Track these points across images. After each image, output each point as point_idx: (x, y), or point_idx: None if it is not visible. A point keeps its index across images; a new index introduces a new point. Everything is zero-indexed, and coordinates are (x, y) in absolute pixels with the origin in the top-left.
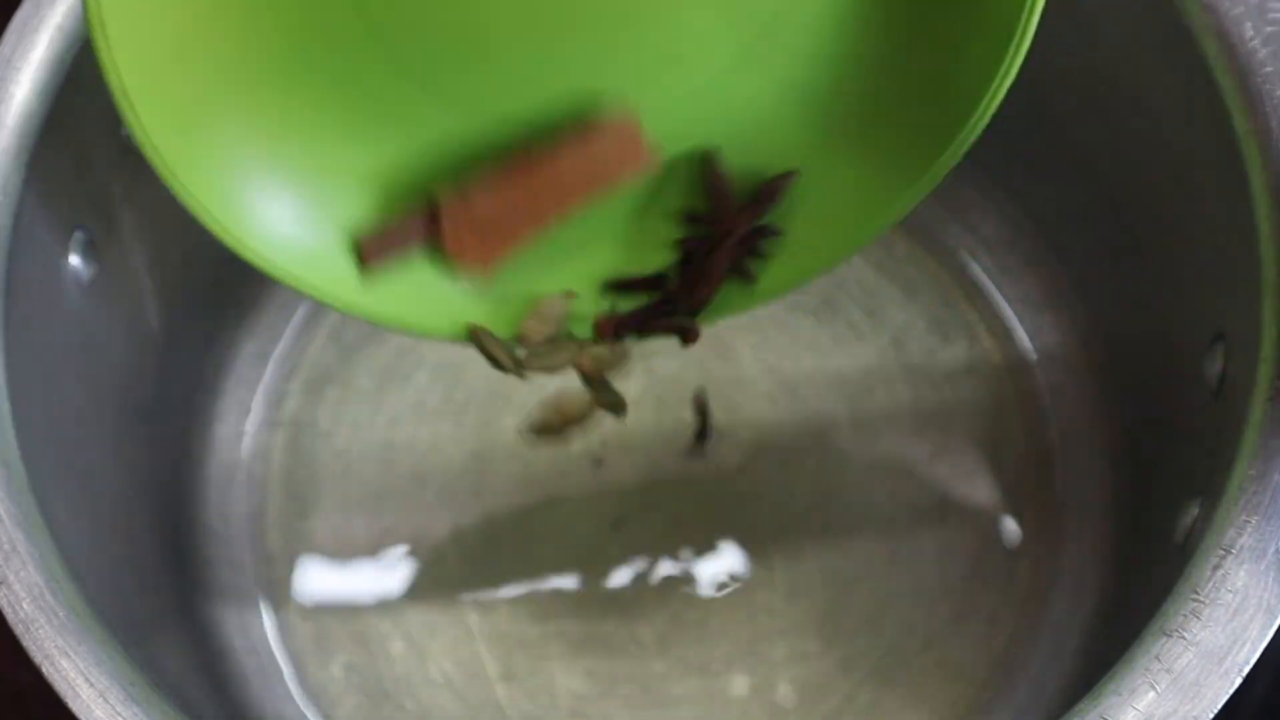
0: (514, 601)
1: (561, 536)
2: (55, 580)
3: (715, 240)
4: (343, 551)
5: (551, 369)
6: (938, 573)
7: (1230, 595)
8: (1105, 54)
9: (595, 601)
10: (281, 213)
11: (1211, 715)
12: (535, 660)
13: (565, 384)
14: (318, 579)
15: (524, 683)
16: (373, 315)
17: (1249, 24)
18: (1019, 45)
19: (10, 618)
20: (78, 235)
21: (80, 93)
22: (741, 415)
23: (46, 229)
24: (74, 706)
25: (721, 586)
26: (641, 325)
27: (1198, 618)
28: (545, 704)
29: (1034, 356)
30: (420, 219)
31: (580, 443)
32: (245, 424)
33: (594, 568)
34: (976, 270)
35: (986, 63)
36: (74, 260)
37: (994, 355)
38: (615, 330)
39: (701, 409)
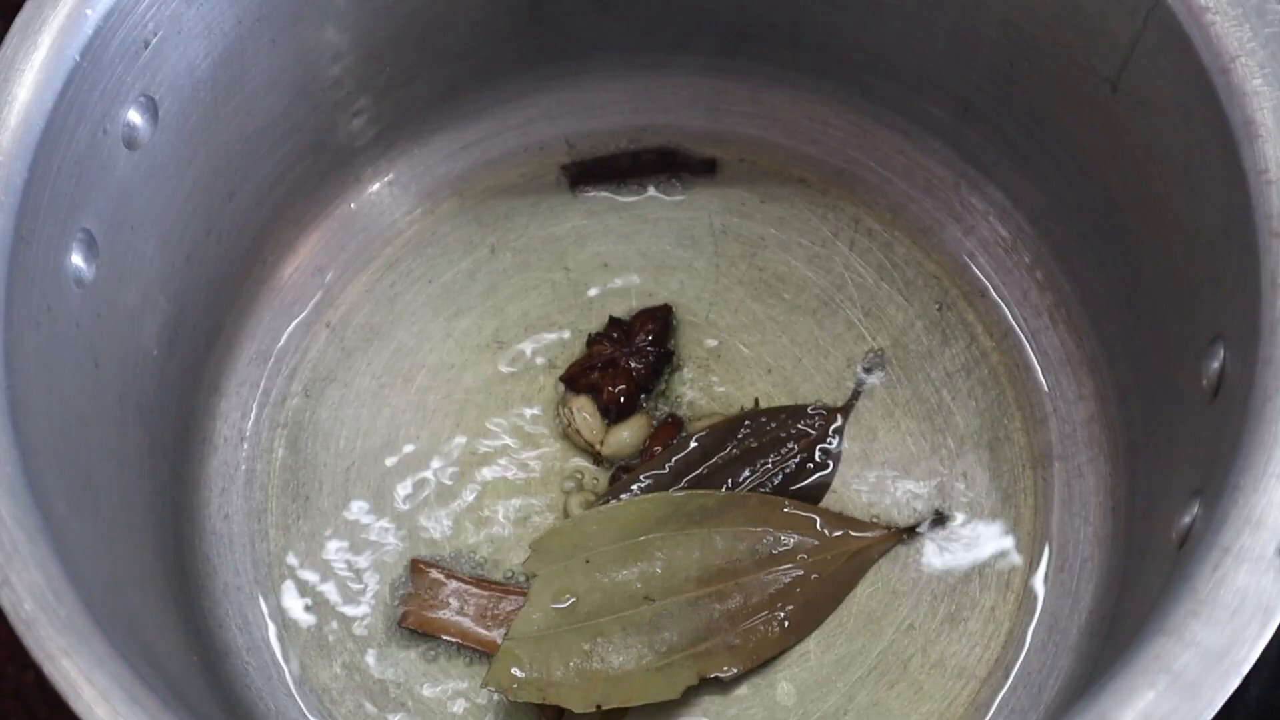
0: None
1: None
2: (56, 580)
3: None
4: (343, 552)
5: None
6: (938, 573)
7: (1230, 595)
8: (1104, 56)
9: None
10: None
11: (1211, 715)
12: None
13: None
14: (318, 579)
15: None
16: None
17: (1248, 26)
18: None
19: (12, 617)
20: (79, 235)
21: (82, 94)
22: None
23: (48, 229)
24: (75, 707)
25: None
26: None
27: (1198, 618)
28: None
29: (1033, 356)
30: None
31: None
32: (246, 424)
33: None
34: (976, 271)
35: None
36: (76, 260)
37: (994, 355)
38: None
39: None
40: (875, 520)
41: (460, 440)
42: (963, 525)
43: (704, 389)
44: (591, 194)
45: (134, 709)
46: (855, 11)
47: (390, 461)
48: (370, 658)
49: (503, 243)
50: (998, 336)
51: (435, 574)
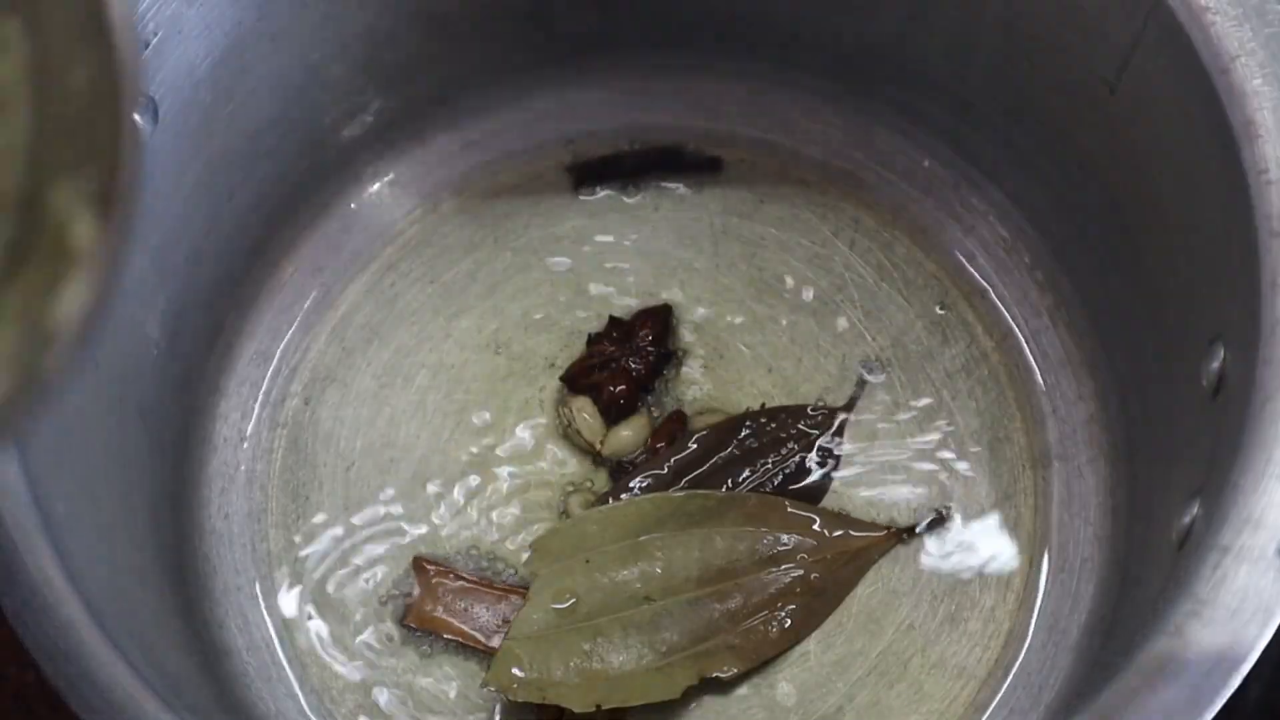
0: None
1: None
2: (56, 580)
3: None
4: (344, 552)
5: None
6: (938, 573)
7: (1230, 595)
8: (1104, 56)
9: None
10: None
11: (1211, 715)
12: None
13: None
14: (319, 579)
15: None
16: None
17: (1248, 26)
18: None
19: (12, 617)
20: None
21: None
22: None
23: None
24: (75, 707)
25: None
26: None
27: (1198, 618)
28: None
29: (1033, 357)
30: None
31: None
32: (246, 424)
33: None
34: (976, 271)
35: None
36: None
37: (994, 355)
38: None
39: None
40: (875, 520)
41: (460, 440)
42: (963, 525)
43: (704, 389)
44: (592, 194)
45: (134, 709)
46: (855, 11)
47: (390, 461)
48: (371, 657)
49: (503, 243)
50: (998, 337)
51: (437, 572)
